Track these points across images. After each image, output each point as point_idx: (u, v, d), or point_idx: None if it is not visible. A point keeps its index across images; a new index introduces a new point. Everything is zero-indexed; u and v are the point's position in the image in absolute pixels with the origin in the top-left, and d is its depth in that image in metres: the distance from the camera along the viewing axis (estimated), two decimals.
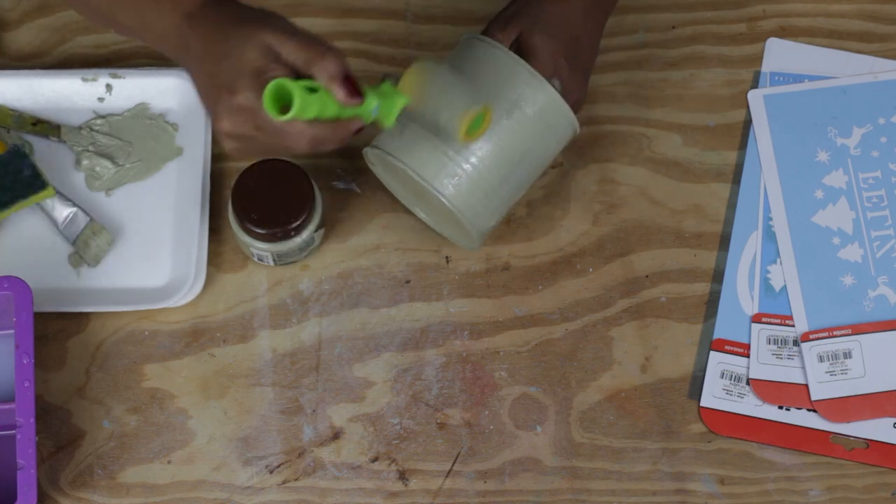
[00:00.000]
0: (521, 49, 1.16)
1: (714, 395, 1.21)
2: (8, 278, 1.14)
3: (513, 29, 1.15)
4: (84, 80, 1.28)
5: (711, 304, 1.24)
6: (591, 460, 1.20)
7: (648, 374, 1.22)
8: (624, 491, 1.20)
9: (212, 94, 1.02)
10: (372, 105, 1.04)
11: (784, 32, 1.31)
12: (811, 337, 1.22)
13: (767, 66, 1.30)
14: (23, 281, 1.14)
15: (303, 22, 1.31)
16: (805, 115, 1.28)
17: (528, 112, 1.13)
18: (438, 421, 1.21)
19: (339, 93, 1.01)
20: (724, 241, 1.26)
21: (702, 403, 1.21)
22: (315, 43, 1.02)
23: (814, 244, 1.25)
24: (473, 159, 1.13)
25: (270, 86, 1.00)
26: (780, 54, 1.30)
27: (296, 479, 1.20)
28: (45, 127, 1.28)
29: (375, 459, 1.20)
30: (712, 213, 1.26)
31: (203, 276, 1.23)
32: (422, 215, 1.24)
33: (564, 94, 1.15)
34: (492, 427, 1.21)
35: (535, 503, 1.19)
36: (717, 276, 1.25)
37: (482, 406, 1.22)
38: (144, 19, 1.07)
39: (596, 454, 1.20)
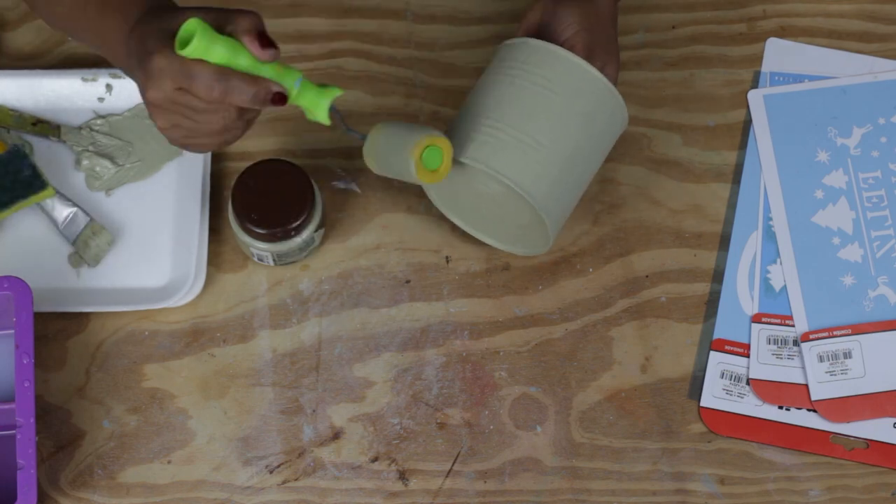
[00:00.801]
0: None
1: (714, 395, 1.21)
2: (8, 278, 1.14)
3: (599, 62, 1.18)
4: (84, 80, 1.28)
5: (711, 304, 1.24)
6: (591, 460, 1.20)
7: (648, 374, 1.22)
8: (624, 491, 1.20)
9: (139, 74, 1.04)
10: (294, 77, 1.05)
11: (784, 32, 1.31)
12: (811, 337, 1.22)
13: (767, 66, 1.30)
14: (23, 281, 1.14)
15: (303, 22, 1.32)
16: (805, 115, 1.28)
17: (602, 117, 1.16)
18: (438, 421, 1.21)
19: (252, 43, 1.01)
20: (724, 242, 1.26)
21: (702, 403, 1.21)
22: (235, 9, 1.03)
23: (814, 244, 1.25)
24: (554, 157, 1.14)
25: (183, 27, 1.01)
26: (780, 54, 1.30)
27: (296, 479, 1.20)
28: (45, 127, 1.28)
29: (375, 459, 1.20)
30: (712, 213, 1.26)
31: (203, 276, 1.23)
32: (478, 234, 1.23)
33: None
34: (492, 427, 1.21)
35: (535, 503, 1.19)
36: (717, 277, 1.25)
37: (482, 406, 1.22)
38: (99, 33, 1.09)
39: (596, 454, 1.20)
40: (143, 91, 1.04)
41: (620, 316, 1.24)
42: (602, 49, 1.17)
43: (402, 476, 1.20)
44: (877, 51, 1.31)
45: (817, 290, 1.24)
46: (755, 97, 1.29)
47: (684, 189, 1.27)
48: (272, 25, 1.30)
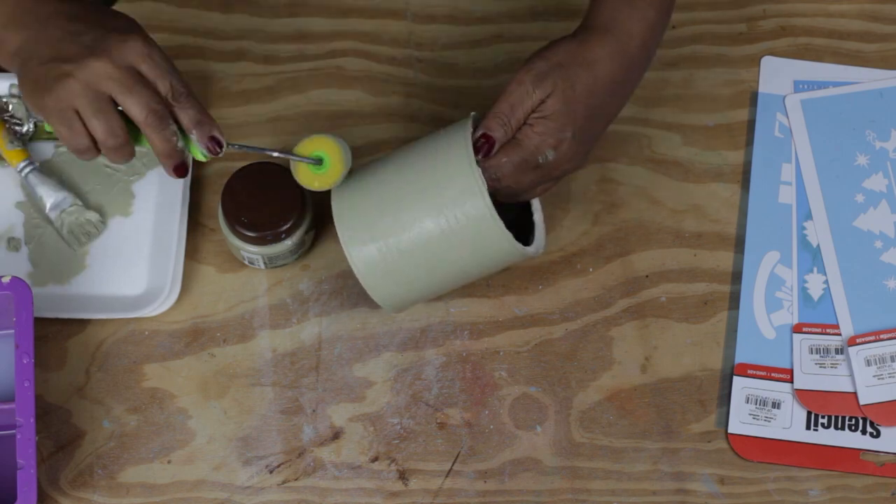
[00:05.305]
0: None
1: (741, 421, 1.20)
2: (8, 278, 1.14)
3: (547, 87, 1.09)
4: None
5: (711, 304, 1.24)
6: (591, 460, 1.20)
7: (648, 374, 1.22)
8: (624, 491, 1.19)
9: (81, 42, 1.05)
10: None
11: (784, 32, 1.31)
12: (858, 341, 1.21)
13: (764, 88, 1.29)
14: (23, 281, 1.14)
15: (303, 22, 1.31)
16: (842, 119, 1.28)
17: (462, 221, 1.10)
18: (438, 421, 1.21)
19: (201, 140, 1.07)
20: (723, 241, 1.26)
21: (729, 430, 1.20)
22: (179, 86, 1.07)
23: (856, 248, 1.25)
24: (394, 243, 1.11)
25: None
26: (774, 71, 1.30)
27: (296, 479, 1.20)
28: None
29: (375, 459, 1.20)
30: (712, 213, 1.26)
31: (178, 289, 1.22)
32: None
33: (556, 163, 1.11)
34: (492, 427, 1.21)
35: (535, 503, 1.19)
36: (717, 276, 1.25)
37: (482, 406, 1.22)
38: None
39: (596, 454, 1.20)
40: (85, 57, 1.05)
41: (620, 316, 1.24)
42: (566, 92, 1.10)
43: (402, 476, 1.20)
44: (877, 51, 1.31)
45: (862, 294, 1.23)
46: (793, 102, 1.28)
47: (684, 189, 1.27)
48: (272, 25, 1.31)
